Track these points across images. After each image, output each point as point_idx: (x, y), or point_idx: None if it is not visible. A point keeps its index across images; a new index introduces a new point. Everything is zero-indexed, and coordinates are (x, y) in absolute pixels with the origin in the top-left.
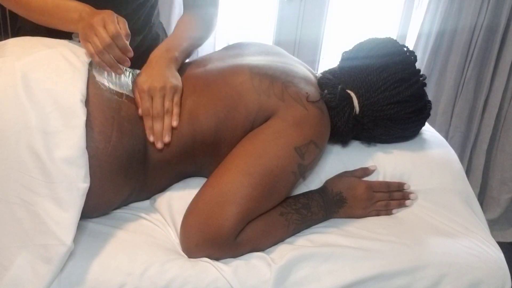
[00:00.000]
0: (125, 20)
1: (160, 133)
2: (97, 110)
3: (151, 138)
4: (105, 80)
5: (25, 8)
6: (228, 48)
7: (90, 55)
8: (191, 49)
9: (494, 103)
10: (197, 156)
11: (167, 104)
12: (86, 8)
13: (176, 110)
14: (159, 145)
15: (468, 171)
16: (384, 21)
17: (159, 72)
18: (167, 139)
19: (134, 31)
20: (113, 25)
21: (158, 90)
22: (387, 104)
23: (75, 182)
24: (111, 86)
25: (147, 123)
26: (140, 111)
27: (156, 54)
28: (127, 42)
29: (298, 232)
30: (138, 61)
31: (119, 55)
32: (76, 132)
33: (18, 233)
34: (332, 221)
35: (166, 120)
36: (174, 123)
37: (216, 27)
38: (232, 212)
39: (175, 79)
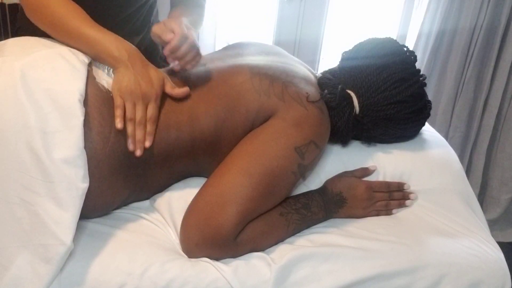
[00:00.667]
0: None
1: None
2: (95, 111)
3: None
4: (104, 82)
5: (60, 31)
6: (228, 48)
7: (118, 114)
8: None
9: (494, 103)
10: (197, 156)
11: (150, 112)
12: (131, 48)
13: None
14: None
15: (468, 171)
16: (384, 21)
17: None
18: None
19: (133, 32)
20: (155, 111)
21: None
22: (387, 104)
23: (74, 182)
24: (110, 87)
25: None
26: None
27: None
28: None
29: (298, 232)
30: None
31: (140, 137)
32: (75, 132)
33: (18, 233)
34: (332, 221)
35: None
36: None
37: (204, 22)
38: (232, 212)
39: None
